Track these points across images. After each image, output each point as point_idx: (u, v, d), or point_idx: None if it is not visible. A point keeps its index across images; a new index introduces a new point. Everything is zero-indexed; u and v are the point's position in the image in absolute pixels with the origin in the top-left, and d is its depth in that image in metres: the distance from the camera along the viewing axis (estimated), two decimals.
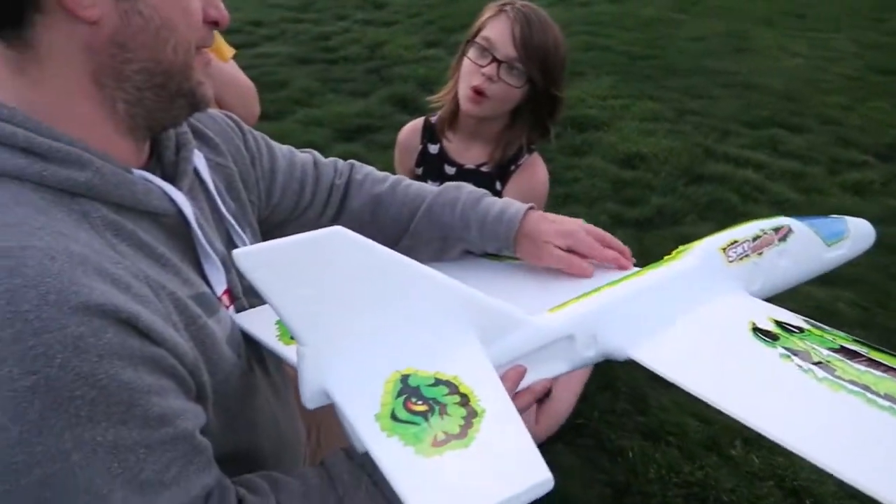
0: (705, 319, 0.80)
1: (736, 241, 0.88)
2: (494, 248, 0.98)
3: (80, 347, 0.53)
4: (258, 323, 0.81)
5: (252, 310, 0.83)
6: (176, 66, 0.67)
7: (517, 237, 0.94)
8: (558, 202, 2.75)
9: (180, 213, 0.72)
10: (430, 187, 1.04)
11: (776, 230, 0.92)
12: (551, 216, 0.97)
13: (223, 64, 1.61)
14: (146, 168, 0.73)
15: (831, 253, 0.98)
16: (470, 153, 1.55)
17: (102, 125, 0.67)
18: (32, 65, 0.63)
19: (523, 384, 0.73)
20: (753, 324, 0.78)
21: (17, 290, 0.52)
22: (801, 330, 0.77)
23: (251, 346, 0.81)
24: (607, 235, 0.96)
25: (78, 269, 0.56)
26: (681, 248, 0.89)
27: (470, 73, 1.41)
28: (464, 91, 1.43)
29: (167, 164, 0.76)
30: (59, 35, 0.62)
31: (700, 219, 2.69)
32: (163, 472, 0.59)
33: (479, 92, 1.39)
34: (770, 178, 2.97)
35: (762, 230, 0.91)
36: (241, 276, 0.83)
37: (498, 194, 1.51)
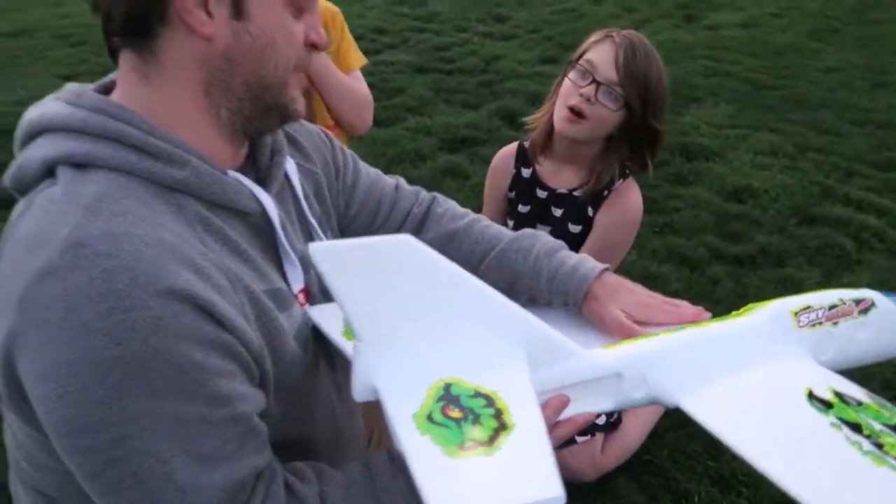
0: (762, 379, 0.78)
1: (810, 307, 0.84)
2: (560, 303, 0.97)
3: (160, 327, 0.61)
4: (328, 317, 0.86)
5: (325, 304, 0.89)
6: (275, 82, 0.75)
7: (587, 295, 0.93)
8: (654, 231, 2.69)
9: (266, 213, 0.79)
10: (507, 231, 1.05)
11: (857, 302, 0.87)
12: (629, 284, 0.96)
13: (343, 74, 1.68)
14: (242, 169, 0.81)
15: None
16: (562, 177, 1.56)
17: (206, 129, 0.75)
18: (154, 72, 0.72)
19: (565, 415, 0.74)
20: (811, 390, 0.75)
21: (115, 271, 0.61)
22: (859, 403, 0.74)
23: (320, 345, 0.87)
24: (684, 303, 0.93)
25: (168, 256, 0.64)
26: (751, 305, 0.87)
27: (568, 93, 1.43)
28: (560, 111, 1.44)
29: (261, 167, 0.84)
30: (178, 47, 0.71)
31: (808, 263, 2.55)
32: (220, 447, 0.66)
33: (575, 112, 1.41)
34: (893, 225, 2.76)
35: (841, 300, 0.86)
36: (318, 276, 0.89)
37: (589, 220, 1.52)
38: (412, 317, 0.64)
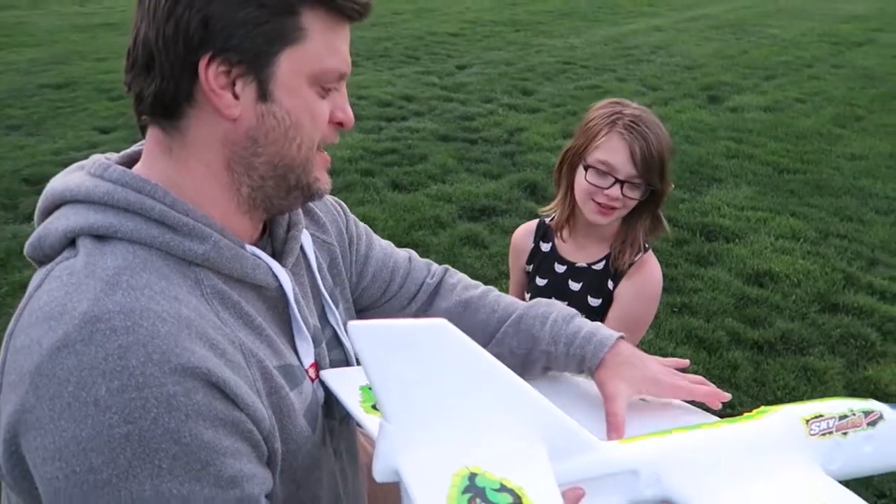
0: (774, 491, 0.77)
1: (821, 416, 0.85)
2: (576, 368, 0.97)
3: (173, 405, 0.61)
4: (343, 383, 0.86)
5: (340, 369, 0.88)
6: (297, 162, 0.76)
7: (601, 361, 0.93)
8: (673, 311, 2.66)
9: (282, 288, 0.79)
10: (520, 301, 1.06)
11: (866, 413, 0.88)
12: (642, 355, 0.96)
13: None
14: (258, 243, 0.81)
15: None
16: (582, 252, 1.56)
17: (227, 204, 0.76)
18: (179, 148, 0.74)
19: None
20: None
21: (130, 347, 0.61)
22: None
23: (326, 422, 0.86)
24: (698, 379, 0.93)
25: (183, 332, 0.64)
26: (763, 408, 0.87)
27: (591, 192, 1.43)
28: (587, 206, 1.45)
29: (277, 240, 0.85)
30: (204, 127, 0.72)
31: (829, 352, 2.49)
32: None
33: (607, 207, 1.42)
34: None
35: (851, 410, 0.88)
36: (328, 349, 0.89)
37: (609, 293, 1.50)
38: (442, 401, 0.64)
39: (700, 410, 0.94)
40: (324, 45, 0.73)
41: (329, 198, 1.00)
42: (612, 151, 1.40)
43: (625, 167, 1.39)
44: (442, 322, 0.63)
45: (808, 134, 4.86)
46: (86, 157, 0.79)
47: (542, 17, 9.31)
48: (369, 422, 0.81)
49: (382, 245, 1.06)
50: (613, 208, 1.41)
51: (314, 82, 0.74)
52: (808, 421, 0.84)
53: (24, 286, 2.42)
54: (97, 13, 9.08)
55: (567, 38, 7.93)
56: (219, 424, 0.64)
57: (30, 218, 3.24)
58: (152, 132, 0.75)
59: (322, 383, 0.87)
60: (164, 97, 0.70)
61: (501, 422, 0.67)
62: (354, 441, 0.99)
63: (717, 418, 0.89)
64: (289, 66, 0.71)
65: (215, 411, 0.63)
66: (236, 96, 0.71)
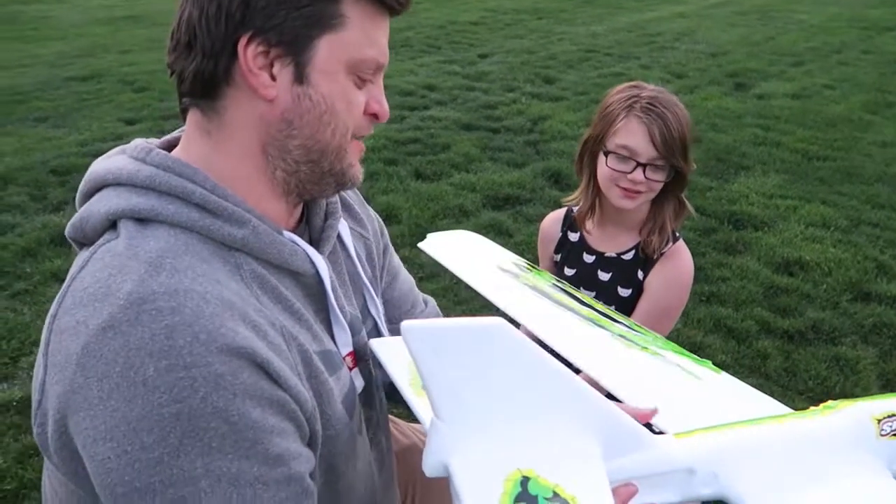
0: (838, 497, 0.74)
1: (894, 415, 0.82)
2: None
3: (220, 384, 0.61)
4: (395, 356, 0.86)
5: (392, 338, 0.88)
6: (331, 147, 0.76)
7: None
8: (701, 301, 2.63)
9: (319, 275, 0.79)
10: None
11: None
12: None
13: None
14: (296, 230, 0.81)
15: None
16: (611, 242, 1.54)
17: (262, 188, 0.76)
18: (216, 129, 0.74)
19: None
20: None
21: (176, 327, 0.61)
22: None
23: (363, 410, 0.86)
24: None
25: (226, 313, 0.64)
26: (830, 402, 0.84)
27: (615, 178, 1.42)
28: (612, 192, 1.43)
29: (314, 228, 0.85)
30: (241, 107, 0.73)
31: (862, 342, 2.44)
32: None
33: (632, 191, 1.40)
34: None
35: None
36: (370, 339, 0.89)
37: (639, 283, 1.49)
38: (495, 401, 0.63)
39: (766, 397, 0.91)
40: (363, 35, 0.73)
41: (370, 209, 1.01)
42: (632, 135, 1.38)
43: (646, 150, 1.37)
44: (498, 321, 0.61)
45: (837, 121, 4.76)
46: (112, 148, 0.80)
47: (564, 4, 9.21)
48: (418, 404, 0.82)
49: (408, 279, 1.07)
50: (639, 192, 1.39)
51: (351, 70, 0.74)
52: (879, 420, 0.80)
53: (55, 275, 2.48)
54: (119, 6, 9.15)
55: (590, 26, 7.84)
56: (265, 403, 0.64)
57: (58, 209, 3.31)
58: (192, 115, 0.75)
59: (370, 360, 0.87)
60: (203, 75, 0.71)
61: (556, 422, 0.65)
62: (389, 432, 0.99)
63: (785, 409, 0.86)
64: (327, 52, 0.71)
65: (261, 390, 0.64)
66: (273, 77, 0.71)
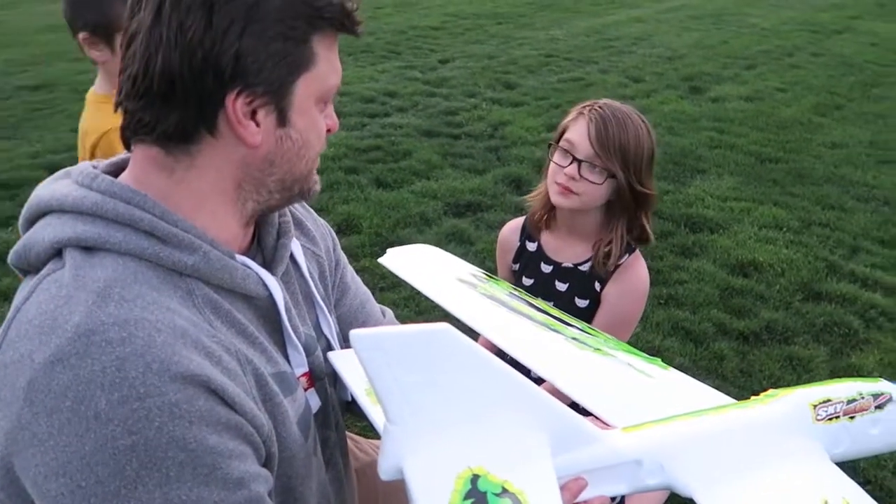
0: (779, 482, 0.78)
1: (829, 400, 0.86)
2: None
3: (176, 413, 0.61)
4: (351, 367, 0.87)
5: (347, 351, 0.88)
6: (304, 174, 0.78)
7: None
8: (659, 304, 2.67)
9: (272, 297, 0.79)
10: None
11: (875, 396, 0.89)
12: None
13: None
14: (248, 252, 0.81)
15: None
16: (568, 252, 1.56)
17: (224, 217, 0.76)
18: (184, 170, 0.73)
19: (582, 497, 0.74)
20: (826, 501, 0.76)
21: (128, 358, 0.61)
22: None
23: (319, 431, 0.86)
24: None
25: (179, 341, 0.64)
26: (770, 391, 0.88)
27: (555, 172, 1.46)
28: (552, 188, 1.48)
29: (267, 249, 0.84)
30: (220, 153, 0.72)
31: (814, 341, 2.52)
32: None
33: (565, 188, 1.44)
34: None
35: (860, 393, 0.88)
36: (325, 358, 0.88)
37: (596, 295, 1.51)
38: (445, 403, 0.65)
39: (712, 390, 0.95)
40: (328, 65, 0.75)
41: (321, 220, 1.02)
42: (575, 131, 1.44)
43: (583, 146, 1.42)
44: (444, 326, 0.63)
45: (789, 123, 4.89)
46: (65, 160, 0.78)
47: (523, 8, 9.29)
48: (374, 412, 0.83)
49: (364, 290, 1.07)
50: (571, 190, 1.42)
51: (320, 100, 0.76)
52: (815, 406, 0.85)
53: (3, 294, 2.39)
54: None
55: (549, 31, 7.92)
56: (222, 429, 0.64)
57: (6, 224, 3.21)
58: (150, 150, 0.73)
59: (326, 379, 0.87)
60: (185, 127, 0.70)
61: (504, 420, 0.68)
62: (346, 451, 0.98)
63: (730, 400, 0.90)
64: (303, 91, 0.73)
65: (218, 416, 0.64)
66: (258, 124, 0.72)
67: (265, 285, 0.78)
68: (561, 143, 1.45)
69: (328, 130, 0.80)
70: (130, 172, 0.75)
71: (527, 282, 1.60)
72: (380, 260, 1.31)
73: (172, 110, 0.69)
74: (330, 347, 0.91)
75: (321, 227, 1.00)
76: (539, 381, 0.87)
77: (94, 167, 0.76)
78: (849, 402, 0.86)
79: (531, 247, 1.60)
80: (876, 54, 6.96)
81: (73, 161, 0.80)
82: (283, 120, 0.73)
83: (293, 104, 0.73)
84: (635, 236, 1.51)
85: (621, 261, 1.49)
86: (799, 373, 2.33)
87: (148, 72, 0.68)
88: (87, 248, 0.68)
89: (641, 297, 1.53)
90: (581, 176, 1.41)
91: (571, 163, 1.42)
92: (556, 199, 1.47)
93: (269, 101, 0.71)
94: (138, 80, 0.69)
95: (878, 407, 0.88)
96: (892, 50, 7.16)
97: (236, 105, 0.69)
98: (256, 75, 0.69)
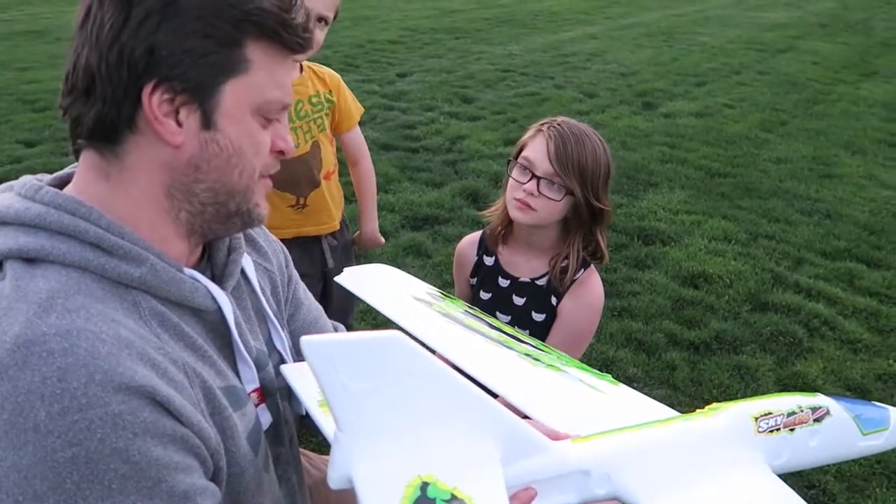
0: (722, 491, 0.81)
1: (770, 413, 0.89)
2: None
3: (119, 424, 0.60)
4: (304, 379, 0.87)
5: (300, 364, 0.88)
6: (239, 188, 0.77)
7: None
8: (613, 315, 2.72)
9: (221, 310, 0.79)
10: None
11: (813, 409, 0.92)
12: None
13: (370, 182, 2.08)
14: (197, 266, 0.80)
15: (865, 442, 0.97)
16: (525, 266, 1.58)
17: (164, 228, 0.75)
18: (117, 173, 0.73)
19: None
20: None
21: (69, 369, 0.59)
22: None
23: (271, 448, 0.85)
24: None
25: (124, 352, 0.63)
26: (714, 405, 0.91)
27: (513, 188, 1.49)
28: (511, 204, 1.50)
29: (217, 264, 0.84)
30: (144, 152, 0.72)
31: (761, 350, 2.59)
32: None
33: (524, 203, 1.46)
34: (843, 314, 2.84)
35: (800, 407, 0.92)
36: (277, 374, 0.88)
37: (553, 309, 1.53)
38: (395, 411, 0.65)
39: (658, 404, 0.98)
40: (268, 77, 0.74)
41: (273, 237, 1.01)
42: (533, 148, 1.47)
43: (542, 163, 1.45)
44: (395, 333, 0.64)
45: (736, 138, 5.05)
46: (9, 172, 0.77)
47: (481, 24, 9.41)
48: (326, 424, 0.83)
49: (317, 306, 1.07)
50: (530, 206, 1.45)
51: (257, 112, 0.75)
52: (756, 418, 0.87)
53: None
54: (19, 20, 8.71)
55: (506, 46, 8.03)
56: (167, 441, 0.63)
57: None
58: (88, 156, 0.73)
59: (277, 395, 0.87)
60: (104, 122, 0.70)
61: (454, 428, 0.68)
62: (300, 467, 0.98)
63: (674, 412, 0.93)
64: (233, 97, 0.72)
65: (163, 428, 0.63)
66: (179, 124, 0.71)
67: (214, 299, 0.77)
68: (520, 160, 1.48)
69: (280, 152, 0.79)
70: (74, 184, 0.75)
71: (484, 296, 1.62)
72: (337, 279, 1.31)
73: (93, 105, 0.69)
74: (283, 362, 0.90)
75: (273, 244, 0.99)
76: (493, 395, 0.88)
77: (39, 180, 0.75)
78: (789, 414, 0.89)
79: (489, 261, 1.62)
80: (817, 73, 7.25)
81: (19, 173, 0.78)
82: (207, 122, 0.72)
83: (220, 108, 0.72)
84: (591, 252, 1.54)
85: (577, 276, 1.52)
86: (747, 381, 2.40)
87: (76, 69, 0.70)
88: (30, 260, 0.67)
89: (596, 311, 1.56)
90: (540, 192, 1.44)
91: (530, 179, 1.44)
92: (514, 214, 1.49)
93: (191, 101, 0.70)
94: (69, 79, 0.71)
95: (817, 420, 0.91)
96: (833, 69, 7.47)
97: (153, 100, 0.69)
98: (171, 69, 0.68)
